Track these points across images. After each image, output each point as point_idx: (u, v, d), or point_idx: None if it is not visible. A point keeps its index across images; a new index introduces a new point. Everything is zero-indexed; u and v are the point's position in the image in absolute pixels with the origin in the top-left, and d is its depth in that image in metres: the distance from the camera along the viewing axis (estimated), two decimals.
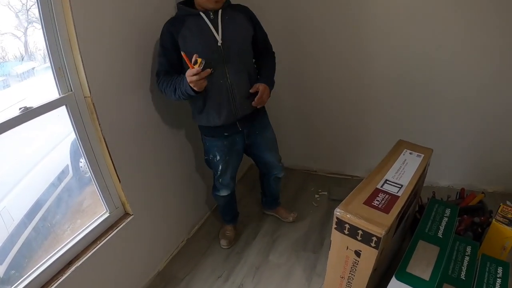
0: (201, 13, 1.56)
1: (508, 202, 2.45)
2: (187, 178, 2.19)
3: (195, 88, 1.45)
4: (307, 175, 2.77)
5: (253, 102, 1.68)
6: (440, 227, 1.58)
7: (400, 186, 1.40)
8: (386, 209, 1.29)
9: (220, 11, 1.59)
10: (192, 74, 1.39)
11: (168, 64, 1.61)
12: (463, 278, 1.49)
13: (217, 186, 2.00)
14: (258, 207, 2.47)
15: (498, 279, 1.60)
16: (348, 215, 1.27)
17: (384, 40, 2.24)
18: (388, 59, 2.31)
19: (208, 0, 1.52)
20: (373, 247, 1.25)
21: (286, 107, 2.66)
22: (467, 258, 1.64)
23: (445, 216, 1.64)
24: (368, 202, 1.32)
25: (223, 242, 2.15)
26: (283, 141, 2.60)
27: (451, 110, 2.38)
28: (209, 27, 1.57)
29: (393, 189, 1.39)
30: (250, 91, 1.68)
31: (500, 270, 1.65)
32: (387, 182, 1.43)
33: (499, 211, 1.87)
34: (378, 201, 1.32)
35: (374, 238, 1.23)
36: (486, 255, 1.71)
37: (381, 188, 1.39)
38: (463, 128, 2.44)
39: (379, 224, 1.22)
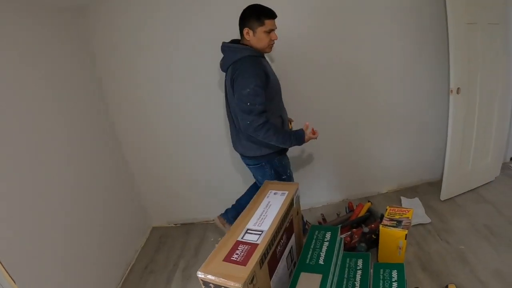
0: (265, 56, 1.98)
1: (402, 198, 2.62)
2: (89, 265, 2.22)
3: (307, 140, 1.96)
4: (206, 226, 2.91)
5: None
6: (321, 253, 1.68)
7: (260, 232, 1.51)
8: (244, 261, 1.39)
9: None
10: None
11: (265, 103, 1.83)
12: None
13: None
14: (164, 269, 2.54)
15: (394, 282, 1.72)
16: (208, 276, 1.37)
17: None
18: None
19: (267, 46, 1.90)
20: None
21: (176, 166, 2.82)
22: (359, 272, 1.76)
23: (326, 241, 1.74)
24: (228, 258, 1.42)
25: None
26: (182, 195, 2.79)
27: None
28: (272, 68, 1.99)
29: (253, 238, 1.49)
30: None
31: (395, 273, 1.77)
32: (248, 231, 1.54)
33: (385, 214, 2.02)
34: (237, 254, 1.43)
35: None
36: (378, 263, 1.84)
37: (242, 240, 1.50)
38: (336, 140, 2.65)
39: (236, 278, 1.32)
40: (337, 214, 2.36)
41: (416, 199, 2.67)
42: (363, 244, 1.97)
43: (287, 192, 1.73)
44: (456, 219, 2.45)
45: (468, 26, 2.31)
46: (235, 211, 2.43)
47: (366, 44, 2.46)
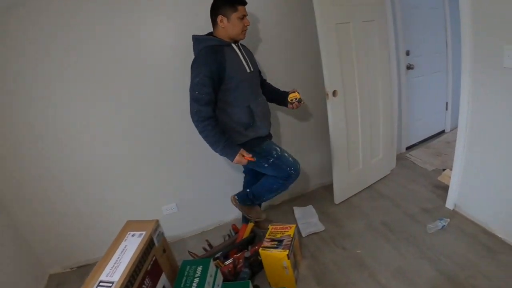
0: (233, 45, 1.98)
1: (294, 208, 2.64)
2: None
3: (235, 162, 1.97)
4: None
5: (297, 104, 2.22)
6: None
7: (111, 284, 1.41)
8: None
9: (239, 45, 2.05)
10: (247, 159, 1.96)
11: (214, 93, 1.90)
12: None
13: (292, 174, 2.13)
14: None
15: None
16: None
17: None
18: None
19: (241, 32, 1.97)
20: None
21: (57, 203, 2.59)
22: None
23: (196, 277, 1.65)
24: None
25: (264, 215, 2.35)
26: (73, 236, 2.65)
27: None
28: (240, 57, 1.99)
29: None
30: (296, 94, 2.21)
31: None
32: (100, 284, 1.42)
33: (267, 235, 1.97)
34: None
35: None
36: None
37: None
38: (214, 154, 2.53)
39: None
40: (227, 236, 2.30)
41: (310, 207, 2.69)
42: (246, 270, 1.91)
43: (144, 232, 1.63)
44: (352, 222, 2.49)
45: (339, 26, 2.33)
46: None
47: None
